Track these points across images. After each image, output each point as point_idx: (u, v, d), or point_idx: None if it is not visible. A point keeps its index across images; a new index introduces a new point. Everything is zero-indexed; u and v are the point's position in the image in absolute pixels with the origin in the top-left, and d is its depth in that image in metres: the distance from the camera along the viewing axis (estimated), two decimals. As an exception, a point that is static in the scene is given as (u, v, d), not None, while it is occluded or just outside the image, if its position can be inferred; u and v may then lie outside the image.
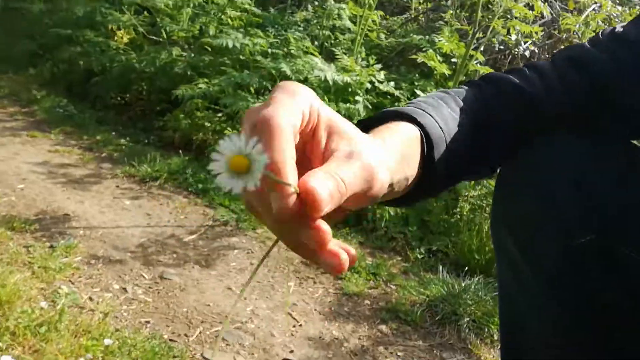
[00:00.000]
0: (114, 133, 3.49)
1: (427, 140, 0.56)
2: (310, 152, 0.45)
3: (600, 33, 0.69)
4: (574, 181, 0.61)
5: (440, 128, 0.58)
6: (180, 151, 3.14)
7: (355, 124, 0.58)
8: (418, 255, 2.28)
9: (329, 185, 0.38)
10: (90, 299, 1.63)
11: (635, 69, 0.64)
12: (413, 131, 0.56)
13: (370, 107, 2.99)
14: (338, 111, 2.94)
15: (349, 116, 2.86)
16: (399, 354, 1.62)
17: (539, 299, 0.66)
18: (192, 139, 3.25)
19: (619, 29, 0.68)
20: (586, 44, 0.69)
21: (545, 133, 0.65)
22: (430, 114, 0.59)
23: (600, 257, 0.61)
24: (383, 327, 1.75)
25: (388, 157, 0.48)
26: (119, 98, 4.03)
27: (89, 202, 2.41)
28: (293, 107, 0.41)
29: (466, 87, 0.70)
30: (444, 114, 0.61)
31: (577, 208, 0.61)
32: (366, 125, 0.57)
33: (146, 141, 3.40)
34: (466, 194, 2.47)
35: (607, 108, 0.66)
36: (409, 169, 0.53)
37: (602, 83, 0.65)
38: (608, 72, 0.65)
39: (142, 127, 3.65)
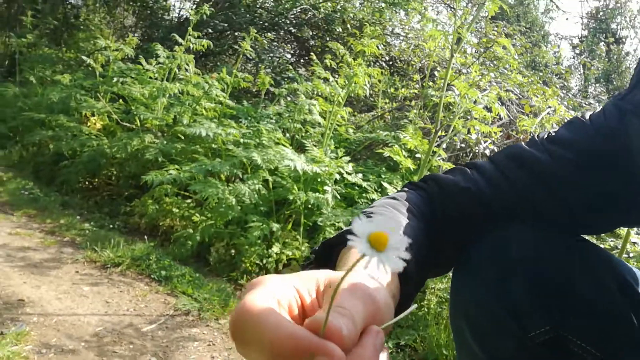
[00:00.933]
0: (78, 217, 3.43)
1: None
2: None
3: (535, 136, 0.75)
4: (528, 272, 0.63)
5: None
6: (146, 237, 3.09)
7: (320, 244, 0.60)
8: (385, 349, 2.23)
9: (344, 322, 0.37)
10: (37, 392, 1.53)
11: (574, 167, 0.68)
12: None
13: (339, 197, 3.05)
14: (307, 200, 2.96)
15: (318, 205, 2.90)
16: None
17: None
18: (159, 225, 3.22)
19: (552, 133, 0.73)
20: (523, 144, 0.74)
21: (494, 225, 0.68)
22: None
23: (554, 348, 0.62)
24: None
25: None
26: (87, 182, 4.01)
27: (46, 287, 2.32)
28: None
29: (410, 189, 0.74)
30: (402, 225, 0.63)
31: (531, 299, 0.62)
32: (330, 244, 0.59)
33: (111, 226, 3.35)
34: (433, 286, 2.47)
35: (551, 202, 0.69)
36: (393, 287, 0.54)
37: (542, 179, 0.69)
38: (548, 170, 0.69)
39: (108, 211, 3.60)
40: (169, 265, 2.71)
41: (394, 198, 0.70)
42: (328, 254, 0.60)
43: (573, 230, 0.71)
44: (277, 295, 0.39)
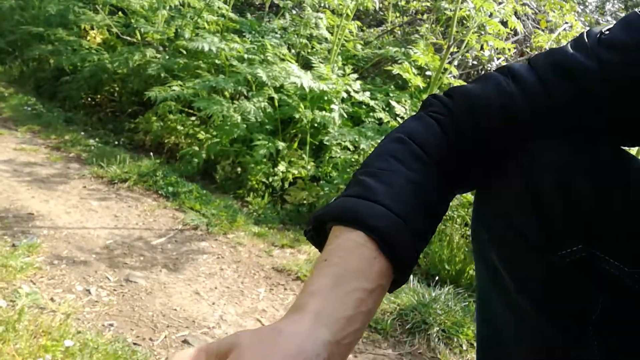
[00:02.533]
0: (82, 133, 3.41)
1: (384, 241, 0.53)
2: None
3: (585, 35, 0.65)
4: (560, 188, 0.59)
5: (397, 216, 0.55)
6: (151, 154, 3.08)
7: (312, 216, 0.59)
8: (389, 264, 2.28)
9: None
10: (52, 299, 1.57)
11: (629, 79, 0.60)
12: (362, 243, 0.53)
13: (346, 115, 3.00)
14: (313, 119, 2.92)
15: (324, 124, 2.87)
16: (368, 361, 1.61)
17: (521, 309, 0.64)
18: (164, 142, 3.21)
19: (605, 32, 0.64)
20: (569, 48, 0.65)
21: (529, 140, 0.63)
22: (382, 203, 0.55)
23: (585, 267, 0.59)
24: (353, 335, 1.73)
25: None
26: (89, 98, 3.95)
27: (55, 201, 2.34)
28: None
29: (431, 106, 0.67)
30: (399, 186, 0.57)
31: (563, 215, 0.59)
32: (322, 219, 0.57)
33: (116, 143, 3.33)
34: (438, 204, 2.49)
35: (597, 118, 0.62)
36: (370, 282, 0.51)
37: (590, 93, 0.61)
38: (596, 82, 0.61)
39: (112, 128, 3.58)
40: (176, 181, 2.72)
41: (399, 140, 0.63)
42: (322, 225, 0.58)
43: (614, 145, 0.64)
44: None
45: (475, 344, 1.80)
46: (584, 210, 0.58)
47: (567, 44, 0.66)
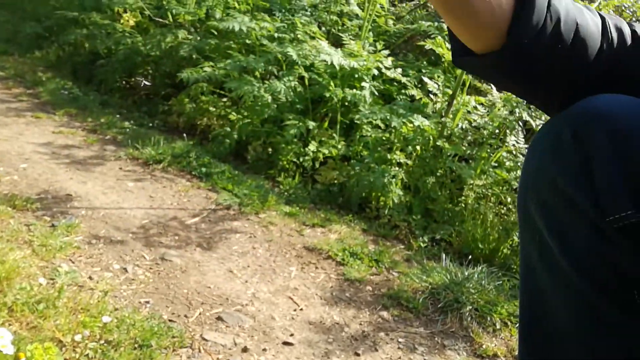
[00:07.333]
0: (118, 116, 3.48)
1: None
2: None
3: None
4: (613, 146, 0.55)
5: None
6: (185, 135, 3.12)
7: None
8: (421, 244, 2.26)
9: None
10: (90, 277, 1.62)
11: None
12: None
13: (377, 93, 2.96)
14: (344, 98, 2.88)
15: (354, 102, 2.84)
16: (400, 340, 1.61)
17: (565, 275, 0.62)
18: (197, 124, 3.24)
19: None
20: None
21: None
22: None
23: (635, 234, 0.55)
24: (384, 313, 1.73)
25: None
26: (124, 82, 4.01)
27: (92, 183, 2.40)
28: None
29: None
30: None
31: (614, 178, 0.55)
32: None
33: (150, 125, 3.38)
34: (471, 182, 2.44)
35: None
36: None
37: None
38: None
39: (147, 110, 3.63)
40: (209, 162, 2.75)
41: None
42: None
43: None
44: None
45: (507, 323, 1.78)
46: (638, 172, 0.54)
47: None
